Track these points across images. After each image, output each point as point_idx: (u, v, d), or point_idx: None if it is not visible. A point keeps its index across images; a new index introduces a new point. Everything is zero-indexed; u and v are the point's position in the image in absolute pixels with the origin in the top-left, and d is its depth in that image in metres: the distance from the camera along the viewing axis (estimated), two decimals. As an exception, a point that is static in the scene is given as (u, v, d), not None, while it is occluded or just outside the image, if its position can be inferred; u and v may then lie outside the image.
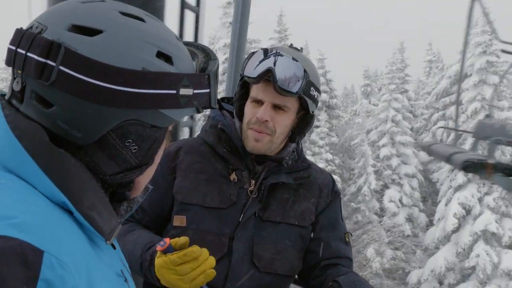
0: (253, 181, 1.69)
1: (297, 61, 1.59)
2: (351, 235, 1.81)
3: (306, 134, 1.79)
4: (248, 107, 1.68)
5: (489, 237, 19.33)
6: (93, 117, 0.80)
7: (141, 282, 1.75)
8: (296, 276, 1.82)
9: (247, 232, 1.66)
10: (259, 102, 1.64)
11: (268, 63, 1.58)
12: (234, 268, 1.63)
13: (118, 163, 0.86)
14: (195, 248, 1.39)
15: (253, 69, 1.61)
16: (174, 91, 0.84)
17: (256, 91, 1.64)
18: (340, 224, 1.81)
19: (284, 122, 1.65)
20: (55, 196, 0.78)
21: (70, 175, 0.79)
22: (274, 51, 1.61)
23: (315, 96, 1.66)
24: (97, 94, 0.78)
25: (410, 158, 24.27)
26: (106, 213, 0.84)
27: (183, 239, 1.43)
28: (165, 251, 1.42)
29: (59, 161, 0.78)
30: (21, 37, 0.80)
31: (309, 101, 1.65)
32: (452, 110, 22.12)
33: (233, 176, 1.68)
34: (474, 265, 18.99)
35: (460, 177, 20.39)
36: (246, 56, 1.71)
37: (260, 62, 1.60)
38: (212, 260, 1.41)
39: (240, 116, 1.72)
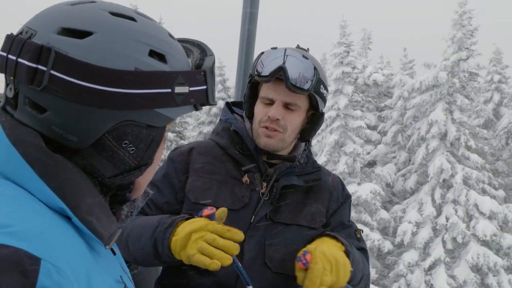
0: (265, 184, 1.70)
1: (307, 58, 1.61)
2: (362, 231, 1.84)
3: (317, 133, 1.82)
4: (259, 107, 1.69)
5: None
6: (87, 120, 0.78)
7: (153, 278, 1.78)
8: None
9: (258, 233, 1.66)
10: (270, 101, 1.66)
11: (279, 61, 1.60)
12: (246, 268, 1.61)
13: (116, 165, 0.84)
14: (240, 232, 1.41)
15: (264, 68, 1.62)
16: (169, 90, 0.82)
17: (266, 90, 1.66)
18: (349, 224, 1.84)
19: (295, 120, 1.66)
20: (53, 203, 0.76)
21: (68, 180, 0.77)
22: (283, 50, 1.62)
23: (324, 95, 1.68)
24: (90, 97, 0.76)
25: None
26: (105, 217, 0.82)
27: (222, 209, 1.48)
28: (209, 217, 1.44)
29: (56, 167, 0.77)
30: (11, 43, 0.78)
31: (319, 99, 1.66)
32: (329, 114, 22.74)
33: (245, 178, 1.69)
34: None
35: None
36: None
37: (271, 60, 1.62)
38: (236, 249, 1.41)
39: (250, 117, 1.74)
